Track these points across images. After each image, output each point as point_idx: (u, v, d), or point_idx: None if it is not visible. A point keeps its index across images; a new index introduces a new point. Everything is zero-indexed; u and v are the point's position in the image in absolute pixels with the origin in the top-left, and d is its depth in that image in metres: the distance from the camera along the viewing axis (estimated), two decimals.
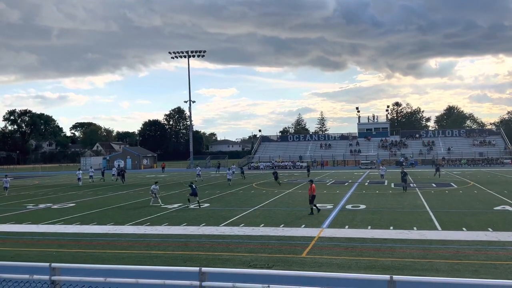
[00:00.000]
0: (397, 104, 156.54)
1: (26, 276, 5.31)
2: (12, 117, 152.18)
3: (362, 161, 73.78)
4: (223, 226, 18.61)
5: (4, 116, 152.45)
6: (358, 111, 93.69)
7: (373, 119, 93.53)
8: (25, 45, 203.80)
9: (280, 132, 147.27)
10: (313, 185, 21.89)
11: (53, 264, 5.24)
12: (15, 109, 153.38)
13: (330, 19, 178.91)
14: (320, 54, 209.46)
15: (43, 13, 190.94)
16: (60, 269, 5.29)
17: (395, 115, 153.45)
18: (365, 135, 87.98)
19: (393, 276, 5.15)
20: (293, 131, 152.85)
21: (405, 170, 32.70)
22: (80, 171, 45.94)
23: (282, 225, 18.42)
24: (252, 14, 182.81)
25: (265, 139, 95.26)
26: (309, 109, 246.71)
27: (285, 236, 16.20)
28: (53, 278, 5.17)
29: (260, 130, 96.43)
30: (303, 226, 18.17)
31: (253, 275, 5.50)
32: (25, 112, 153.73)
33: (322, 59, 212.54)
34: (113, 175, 51.14)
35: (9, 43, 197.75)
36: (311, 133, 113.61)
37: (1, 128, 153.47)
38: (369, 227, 17.68)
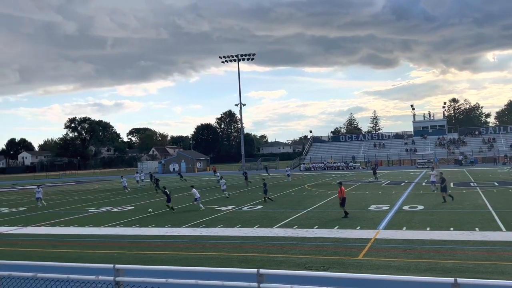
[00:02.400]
0: (454, 100, 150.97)
1: (92, 277, 5.54)
2: (72, 125, 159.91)
3: (418, 160, 71.59)
4: (276, 228, 18.62)
5: (65, 124, 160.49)
6: (413, 109, 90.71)
7: (429, 116, 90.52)
8: (81, 55, 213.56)
9: (331, 132, 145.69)
10: (342, 187, 21.38)
11: (117, 266, 5.44)
12: (75, 117, 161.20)
13: (379, 16, 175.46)
14: (371, 51, 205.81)
15: (97, 24, 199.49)
16: (124, 270, 5.49)
17: (452, 112, 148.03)
18: (421, 133, 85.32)
19: (458, 279, 4.96)
20: (345, 131, 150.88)
21: (443, 177, 25.78)
22: (125, 179, 44.39)
23: (337, 226, 18.18)
24: (299, 15, 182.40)
25: (316, 139, 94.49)
26: (361, 108, 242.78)
27: (340, 238, 15.98)
28: (117, 279, 5.37)
29: (311, 131, 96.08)
30: (358, 227, 17.85)
31: (311, 277, 5.46)
32: (84, 120, 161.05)
33: (372, 56, 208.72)
34: (142, 180, 49.28)
35: (67, 53, 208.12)
36: (363, 133, 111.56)
37: (63, 135, 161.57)
38: (428, 228, 17.11)
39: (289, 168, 52.78)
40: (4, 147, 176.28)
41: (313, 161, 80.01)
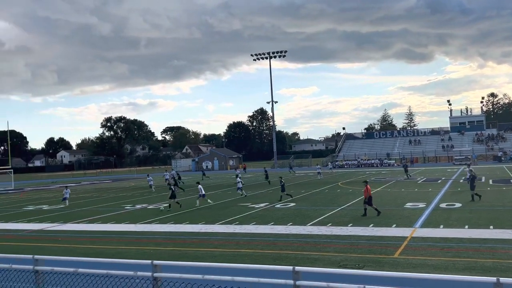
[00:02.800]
0: (492, 95, 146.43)
1: (131, 273, 5.67)
2: (108, 124, 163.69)
3: (455, 157, 69.79)
4: (310, 225, 18.53)
5: (101, 123, 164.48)
6: (450, 104, 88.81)
7: (467, 112, 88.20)
8: (116, 55, 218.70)
9: (365, 129, 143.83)
10: (368, 186, 20.93)
11: (155, 262, 5.55)
12: (111, 116, 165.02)
13: (413, 10, 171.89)
14: (405, 46, 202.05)
15: (131, 25, 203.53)
16: (161, 266, 5.58)
17: (490, 106, 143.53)
18: (458, 129, 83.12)
19: (500, 278, 4.81)
20: (379, 127, 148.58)
21: (474, 174, 24.53)
22: (151, 177, 43.98)
23: (372, 224, 17.94)
24: (330, 11, 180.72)
25: (349, 136, 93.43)
26: (395, 104, 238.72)
27: (375, 236, 15.76)
28: (155, 274, 5.47)
29: (344, 128, 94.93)
30: (394, 226, 17.56)
31: (347, 275, 5.41)
32: (120, 119, 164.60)
33: (406, 51, 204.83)
34: (166, 179, 48.60)
35: (103, 54, 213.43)
36: (398, 129, 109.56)
37: (99, 134, 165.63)
38: (466, 226, 16.66)
39: (319, 166, 52.33)
40: (44, 146, 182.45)
41: (346, 158, 79.17)
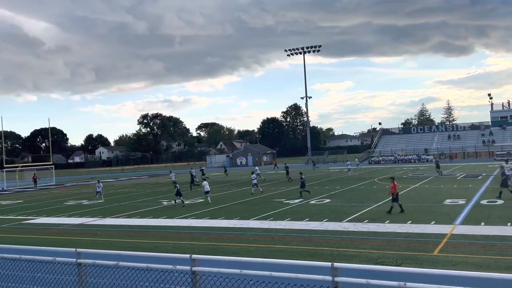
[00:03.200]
0: None
1: (170, 266, 5.76)
2: (145, 121, 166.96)
3: (497, 152, 67.57)
4: (346, 222, 18.34)
5: (138, 120, 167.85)
6: (491, 98, 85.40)
7: (509, 105, 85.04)
8: (152, 53, 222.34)
9: (402, 124, 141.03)
10: (395, 182, 20.39)
11: (193, 256, 5.61)
12: (147, 113, 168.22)
13: (452, 1, 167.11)
14: (442, 39, 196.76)
15: (166, 22, 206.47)
16: (200, 260, 5.65)
17: None
18: (499, 123, 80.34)
19: None
20: (416, 122, 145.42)
21: (508, 173, 22.88)
22: (173, 173, 43.39)
23: (409, 221, 17.59)
24: (365, 4, 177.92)
25: (386, 132, 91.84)
26: (433, 99, 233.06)
27: (413, 233, 15.45)
28: (194, 269, 5.54)
29: (380, 123, 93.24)
30: (433, 222, 17.16)
31: (386, 272, 5.32)
32: (156, 116, 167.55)
33: (444, 44, 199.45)
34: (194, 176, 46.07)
35: (138, 52, 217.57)
36: (436, 124, 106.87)
37: (136, 131, 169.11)
38: (509, 224, 16.10)
39: (349, 162, 51.66)
40: (83, 142, 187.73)
41: (383, 154, 77.89)
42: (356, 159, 63.89)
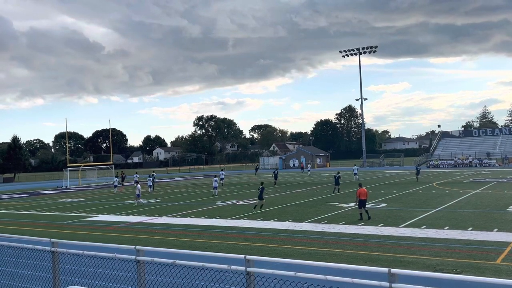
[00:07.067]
0: None
1: (225, 266, 5.84)
2: (200, 123, 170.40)
3: None
4: (402, 227, 17.84)
5: (193, 122, 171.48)
6: None
7: None
8: (205, 56, 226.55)
9: (462, 126, 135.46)
10: (363, 188, 20.48)
11: (248, 256, 5.65)
12: (202, 115, 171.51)
13: None
14: (505, 38, 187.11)
15: (219, 26, 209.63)
16: (254, 261, 5.68)
17: None
18: None
19: None
20: (478, 125, 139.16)
21: None
22: (216, 178, 37.81)
23: (470, 228, 16.85)
24: (421, 3, 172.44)
25: (445, 135, 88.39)
26: (496, 100, 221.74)
27: (475, 240, 14.78)
28: (249, 269, 5.58)
29: (439, 125, 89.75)
30: (496, 230, 16.34)
31: (446, 280, 5.12)
32: (210, 118, 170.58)
33: (507, 43, 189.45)
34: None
35: (193, 56, 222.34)
36: (500, 127, 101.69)
37: (192, 133, 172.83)
38: None
39: (356, 167, 48.59)
40: (141, 143, 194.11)
41: (442, 158, 75.06)
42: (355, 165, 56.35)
